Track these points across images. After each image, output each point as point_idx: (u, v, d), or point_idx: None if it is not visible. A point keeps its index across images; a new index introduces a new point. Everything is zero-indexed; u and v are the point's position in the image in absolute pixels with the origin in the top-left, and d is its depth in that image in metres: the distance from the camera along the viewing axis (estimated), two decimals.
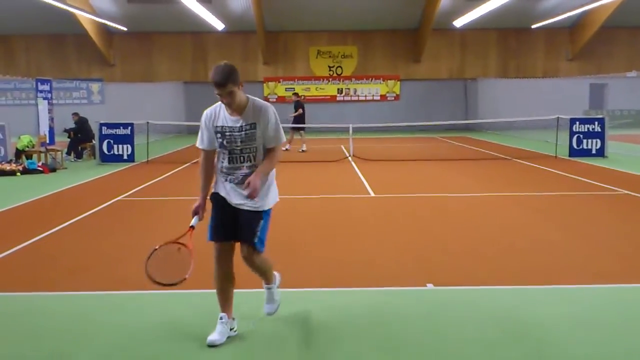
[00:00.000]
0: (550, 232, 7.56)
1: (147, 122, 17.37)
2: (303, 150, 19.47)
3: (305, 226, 8.21)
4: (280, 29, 31.57)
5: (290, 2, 28.91)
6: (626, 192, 10.67)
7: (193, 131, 31.45)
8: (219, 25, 28.30)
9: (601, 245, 6.94)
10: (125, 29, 29.39)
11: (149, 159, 16.85)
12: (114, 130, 16.74)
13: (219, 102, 4.08)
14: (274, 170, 4.24)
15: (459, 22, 28.33)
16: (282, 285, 4.71)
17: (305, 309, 4.82)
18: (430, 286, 5.38)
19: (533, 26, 30.39)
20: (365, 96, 33.21)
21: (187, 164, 16.12)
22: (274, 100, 31.36)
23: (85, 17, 28.17)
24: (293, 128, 19.61)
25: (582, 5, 25.87)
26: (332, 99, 33.18)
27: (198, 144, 4.22)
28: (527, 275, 5.73)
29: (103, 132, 16.65)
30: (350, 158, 17.01)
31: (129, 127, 16.78)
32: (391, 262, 6.28)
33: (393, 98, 33.23)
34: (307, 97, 32.90)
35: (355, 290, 5.35)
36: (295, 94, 20.77)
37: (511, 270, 5.93)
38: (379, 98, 33.23)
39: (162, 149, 20.66)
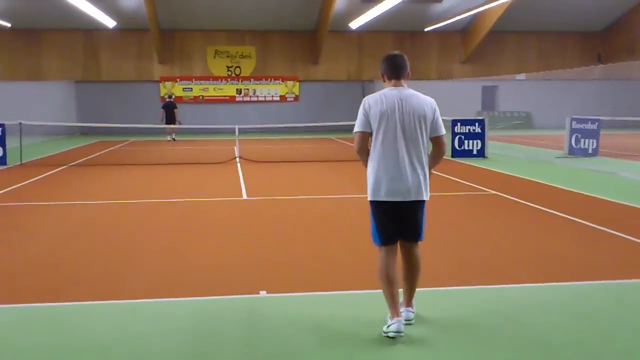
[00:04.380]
0: None
1: (20, 123, 16.37)
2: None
3: (156, 232, 7.88)
4: (176, 27, 30.81)
5: (185, 0, 28.28)
6: (494, 192, 10.98)
7: (85, 131, 30.20)
8: (110, 23, 27.26)
9: (449, 247, 7.03)
10: (8, 24, 27.81)
11: (22, 161, 15.89)
12: None
13: None
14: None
15: (355, 24, 28.60)
16: (109, 296, 4.39)
17: (143, 321, 4.54)
18: (263, 293, 5.21)
19: (426, 29, 31.16)
20: (265, 97, 32.94)
21: (65, 166, 15.40)
22: (173, 99, 30.28)
23: None
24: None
25: (470, 9, 26.77)
26: (232, 99, 32.72)
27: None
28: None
29: None
30: (237, 160, 16.74)
31: (0, 128, 15.78)
32: (228, 267, 6.08)
33: (292, 99, 33.16)
34: (206, 98, 32.52)
35: (176, 300, 5.12)
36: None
37: (362, 275, 5.87)
38: (278, 99, 33.06)
39: (43, 151, 19.63)
